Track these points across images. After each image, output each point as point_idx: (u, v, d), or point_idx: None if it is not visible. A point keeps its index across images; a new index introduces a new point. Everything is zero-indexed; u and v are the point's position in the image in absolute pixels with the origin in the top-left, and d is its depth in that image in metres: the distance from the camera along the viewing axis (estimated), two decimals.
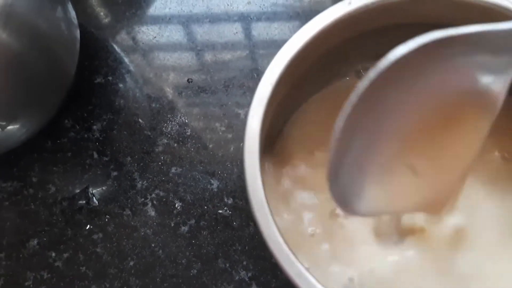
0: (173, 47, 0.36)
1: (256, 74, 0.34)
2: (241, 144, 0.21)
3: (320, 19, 0.23)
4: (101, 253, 0.30)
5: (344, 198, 0.18)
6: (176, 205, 0.31)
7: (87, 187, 0.32)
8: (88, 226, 0.31)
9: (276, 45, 0.23)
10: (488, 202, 0.25)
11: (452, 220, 0.24)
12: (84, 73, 0.35)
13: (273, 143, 0.27)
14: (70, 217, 0.31)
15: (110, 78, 0.35)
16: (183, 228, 0.30)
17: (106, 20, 0.37)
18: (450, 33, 0.14)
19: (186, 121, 0.33)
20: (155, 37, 0.36)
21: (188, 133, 0.33)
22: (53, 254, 0.30)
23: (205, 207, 0.31)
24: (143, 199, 0.31)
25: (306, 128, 0.27)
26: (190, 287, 0.29)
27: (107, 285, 0.29)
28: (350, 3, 0.23)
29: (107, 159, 0.32)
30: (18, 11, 0.26)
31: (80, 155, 0.33)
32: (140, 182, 0.31)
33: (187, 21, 0.36)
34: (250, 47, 0.35)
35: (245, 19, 0.36)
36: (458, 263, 0.23)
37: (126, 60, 0.35)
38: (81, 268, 0.30)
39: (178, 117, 0.33)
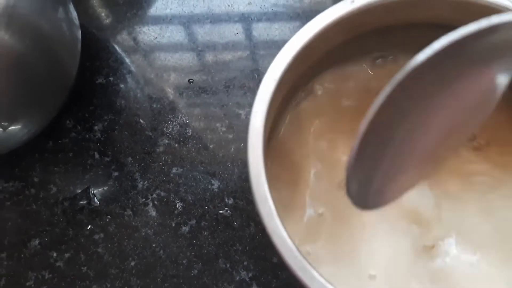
0: (174, 47, 0.36)
1: (257, 75, 0.34)
2: (242, 145, 0.21)
3: (323, 18, 0.23)
4: (102, 253, 0.30)
5: (359, 197, 0.18)
6: (177, 205, 0.31)
7: (88, 187, 0.32)
8: (89, 226, 0.31)
9: (276, 46, 0.23)
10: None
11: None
12: (85, 74, 0.35)
13: (270, 138, 0.27)
14: (71, 217, 0.31)
15: (111, 78, 0.35)
16: (184, 228, 0.30)
17: (107, 21, 0.37)
18: (468, 30, 0.14)
19: (187, 121, 0.33)
20: (156, 37, 0.36)
21: (189, 134, 0.33)
22: (54, 254, 0.30)
23: (206, 208, 0.31)
24: (144, 199, 0.31)
25: (304, 123, 0.27)
26: (191, 287, 0.29)
27: (108, 285, 0.29)
28: (352, 1, 0.23)
29: (108, 159, 0.32)
30: (20, 12, 0.26)
31: (82, 155, 0.33)
32: (141, 183, 0.32)
33: (188, 21, 0.36)
34: (250, 47, 0.35)
35: (246, 19, 0.36)
36: None
37: (127, 60, 0.35)
38: (82, 268, 0.30)
39: (179, 117, 0.33)
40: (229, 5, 0.36)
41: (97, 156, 0.33)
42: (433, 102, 0.16)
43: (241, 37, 0.35)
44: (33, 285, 0.30)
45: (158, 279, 0.29)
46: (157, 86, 0.34)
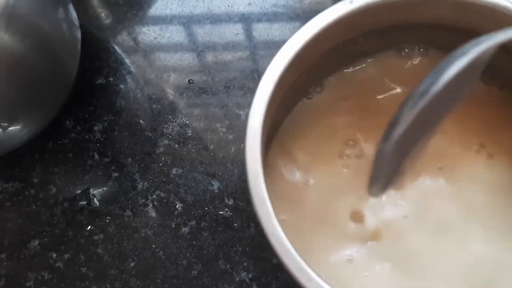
0: (174, 48, 0.36)
1: (257, 75, 0.34)
2: (242, 146, 0.21)
3: (322, 18, 0.23)
4: (102, 254, 0.30)
5: (377, 191, 0.21)
6: (177, 206, 0.31)
7: (88, 188, 0.32)
8: (89, 227, 0.31)
9: (276, 46, 0.23)
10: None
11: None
12: (85, 74, 0.35)
13: (271, 138, 0.27)
14: (71, 218, 0.31)
15: (111, 79, 0.35)
16: (183, 229, 0.30)
17: (107, 21, 0.37)
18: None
19: (187, 122, 0.33)
20: (156, 38, 0.36)
21: (189, 134, 0.33)
22: (54, 255, 0.30)
23: (206, 208, 0.31)
24: (143, 200, 0.31)
25: (303, 124, 0.27)
26: None
27: (108, 286, 0.29)
28: (351, 2, 0.23)
29: (108, 160, 0.32)
30: (20, 12, 0.26)
31: (81, 156, 0.33)
32: (141, 183, 0.32)
33: (188, 22, 0.36)
34: (250, 48, 0.35)
35: (246, 20, 0.36)
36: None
37: (127, 61, 0.35)
38: (82, 269, 0.30)
39: (179, 118, 0.33)
40: (229, 6, 0.36)
41: (96, 156, 0.33)
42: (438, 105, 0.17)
43: (241, 37, 0.35)
44: (32, 286, 0.30)
45: (158, 280, 0.29)
46: (157, 87, 0.34)
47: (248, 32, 0.36)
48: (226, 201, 0.31)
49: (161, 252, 0.30)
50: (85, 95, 0.34)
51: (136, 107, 0.34)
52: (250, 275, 0.29)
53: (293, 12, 0.36)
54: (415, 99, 0.17)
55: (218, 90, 0.34)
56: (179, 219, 0.30)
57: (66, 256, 0.30)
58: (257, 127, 0.21)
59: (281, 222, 0.20)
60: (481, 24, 0.23)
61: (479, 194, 0.25)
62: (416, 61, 0.27)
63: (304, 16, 0.36)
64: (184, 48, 0.36)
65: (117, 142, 0.33)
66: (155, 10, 0.37)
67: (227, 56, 0.35)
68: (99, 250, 0.30)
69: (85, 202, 0.31)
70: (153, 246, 0.30)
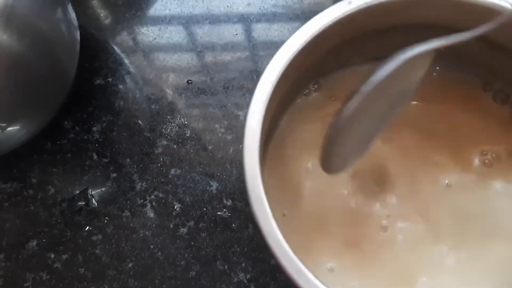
0: (173, 48, 0.36)
1: (256, 76, 0.34)
2: (240, 146, 0.21)
3: (320, 19, 0.23)
4: (100, 255, 0.30)
5: (330, 167, 0.22)
6: (175, 207, 0.31)
7: (86, 189, 0.32)
8: (87, 227, 0.31)
9: (275, 47, 0.23)
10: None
11: None
12: (84, 75, 0.35)
13: (269, 138, 0.27)
14: (69, 218, 0.31)
15: (110, 79, 0.35)
16: (182, 229, 0.30)
17: (106, 22, 0.37)
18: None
19: (186, 122, 0.33)
20: (155, 38, 0.36)
21: (188, 135, 0.33)
22: (52, 255, 0.30)
23: (204, 209, 0.31)
24: (142, 200, 0.31)
25: (302, 124, 0.27)
26: None
27: (106, 287, 0.29)
28: (350, 2, 0.23)
29: (106, 160, 0.32)
30: (19, 12, 0.26)
31: (80, 156, 0.33)
32: (139, 184, 0.31)
33: (187, 22, 0.36)
34: (250, 48, 0.35)
35: (245, 20, 0.36)
36: None
37: (126, 61, 0.35)
38: (80, 269, 0.30)
39: (178, 118, 0.33)
40: (228, 6, 0.36)
41: (95, 157, 0.32)
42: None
43: (240, 38, 0.35)
44: (31, 286, 0.30)
45: (156, 281, 0.29)
46: (156, 87, 0.34)
47: (247, 33, 0.36)
48: (225, 201, 0.31)
49: (159, 253, 0.30)
50: (84, 96, 0.34)
51: (135, 107, 0.34)
52: (248, 276, 0.29)
53: (292, 13, 0.36)
54: (363, 87, 0.19)
55: (217, 90, 0.34)
56: (177, 220, 0.30)
57: (64, 256, 0.30)
58: (255, 127, 0.21)
59: (281, 218, 0.20)
60: (480, 24, 0.23)
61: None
62: None
63: (304, 17, 0.36)
64: (183, 48, 0.35)
65: (115, 143, 0.33)
66: (154, 10, 0.37)
67: (226, 57, 0.35)
68: (97, 251, 0.30)
69: (83, 203, 0.31)
70: (151, 246, 0.30)
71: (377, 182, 0.26)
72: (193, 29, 0.36)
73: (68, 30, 0.31)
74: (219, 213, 0.30)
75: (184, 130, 0.33)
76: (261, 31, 0.35)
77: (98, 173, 0.32)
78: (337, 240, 0.25)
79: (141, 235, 0.30)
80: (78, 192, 0.32)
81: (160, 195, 0.31)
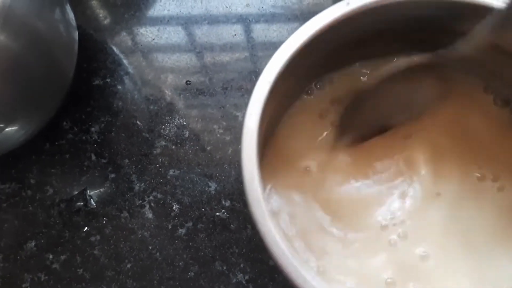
0: (171, 49, 0.36)
1: (255, 76, 0.34)
2: (239, 147, 0.21)
3: (318, 20, 0.23)
4: (98, 255, 0.30)
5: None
6: (174, 208, 0.31)
7: (85, 189, 0.32)
8: (86, 228, 0.31)
9: (274, 47, 0.22)
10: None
11: None
12: (82, 75, 0.35)
13: (267, 139, 0.27)
14: (67, 219, 0.31)
15: (108, 80, 0.35)
16: (180, 230, 0.30)
17: (105, 22, 0.37)
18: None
19: (184, 123, 0.33)
20: (153, 39, 0.36)
21: (186, 135, 0.33)
22: (51, 256, 0.30)
23: (203, 210, 0.30)
24: (140, 201, 0.31)
25: (301, 125, 0.27)
26: None
27: (104, 287, 0.29)
28: (348, 3, 0.23)
29: (105, 161, 0.32)
30: (17, 12, 0.26)
31: (78, 157, 0.32)
32: (137, 184, 0.31)
33: (186, 23, 0.36)
34: (248, 49, 0.35)
35: (244, 21, 0.36)
36: None
37: (124, 62, 0.35)
38: (78, 270, 0.30)
39: (176, 119, 0.33)
40: (227, 7, 0.36)
41: (93, 157, 0.32)
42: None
43: (239, 38, 0.35)
44: (29, 287, 0.30)
45: (155, 282, 0.29)
46: (154, 88, 0.34)
47: (246, 33, 0.36)
48: (223, 202, 0.31)
49: (158, 254, 0.30)
50: (82, 96, 0.34)
51: (134, 108, 0.34)
52: (246, 277, 0.29)
53: (291, 13, 0.36)
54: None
55: (215, 91, 0.34)
56: (175, 221, 0.30)
57: (63, 257, 0.30)
58: (253, 129, 0.21)
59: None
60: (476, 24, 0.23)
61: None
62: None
63: (303, 17, 0.36)
64: (182, 49, 0.35)
65: (114, 143, 0.33)
66: (153, 11, 0.37)
67: (225, 57, 0.35)
68: (95, 252, 0.30)
69: (82, 203, 0.31)
70: (150, 247, 0.30)
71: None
72: (192, 29, 0.36)
73: (67, 30, 0.31)
74: (217, 214, 0.30)
75: (183, 131, 0.33)
76: (260, 31, 0.35)
77: (97, 174, 0.32)
78: (338, 239, 0.25)
79: (140, 236, 0.30)
80: (76, 192, 0.32)
81: (159, 196, 0.31)
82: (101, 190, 0.32)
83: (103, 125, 0.33)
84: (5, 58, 0.26)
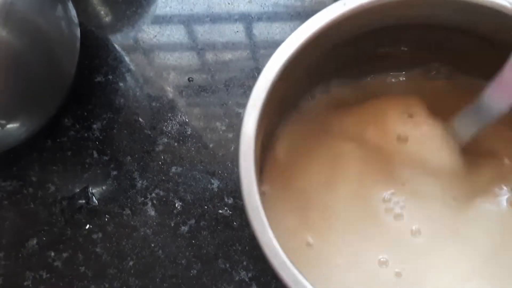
0: (173, 46, 0.35)
1: (257, 74, 0.33)
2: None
3: (314, 22, 0.22)
4: (100, 253, 0.30)
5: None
6: (176, 205, 0.31)
7: (86, 187, 0.32)
8: (88, 225, 0.31)
9: (277, 45, 0.22)
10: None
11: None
12: (84, 72, 0.34)
13: (268, 143, 0.27)
14: (69, 217, 0.31)
15: (110, 77, 0.34)
16: (183, 228, 0.30)
17: (107, 19, 0.37)
18: None
19: (187, 120, 0.33)
20: (155, 36, 0.36)
21: (189, 133, 0.32)
22: (52, 254, 0.30)
23: (205, 207, 0.30)
24: (143, 198, 0.31)
25: (301, 126, 0.27)
26: (190, 287, 0.29)
27: (107, 285, 0.29)
28: (345, 4, 0.22)
29: (107, 158, 0.32)
30: (18, 9, 0.26)
31: (80, 154, 0.32)
32: (140, 182, 0.31)
33: (188, 20, 0.36)
34: (251, 46, 0.35)
35: (246, 18, 0.36)
36: None
37: (126, 59, 0.35)
38: (80, 268, 0.30)
39: (179, 116, 0.33)
40: (229, 4, 0.36)
41: (95, 155, 0.32)
42: None
43: (241, 36, 0.35)
44: (30, 285, 0.29)
45: (157, 279, 0.29)
46: (156, 85, 0.34)
47: (248, 31, 0.35)
48: (226, 200, 0.30)
49: (160, 251, 0.30)
50: (84, 93, 0.34)
51: (136, 105, 0.34)
52: (249, 275, 0.29)
53: (294, 11, 0.36)
54: None
55: (218, 88, 0.34)
56: (178, 218, 0.30)
57: (65, 255, 0.30)
58: (251, 135, 0.20)
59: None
60: (478, 23, 0.23)
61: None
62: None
63: (305, 15, 0.35)
64: (184, 46, 0.35)
65: (116, 141, 0.33)
66: (155, 8, 0.37)
67: (227, 55, 0.35)
68: (97, 249, 0.30)
69: (83, 201, 0.31)
70: (152, 245, 0.30)
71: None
72: (194, 27, 0.36)
73: (68, 27, 0.30)
74: (220, 211, 0.30)
75: (185, 128, 0.33)
76: (262, 29, 0.35)
77: (99, 171, 0.32)
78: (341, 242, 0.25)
79: (142, 233, 0.30)
80: (78, 190, 0.32)
81: (161, 193, 0.31)
82: (103, 187, 0.32)
83: (105, 122, 0.33)
84: (7, 55, 0.26)
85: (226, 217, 0.30)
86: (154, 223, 0.30)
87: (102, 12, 0.37)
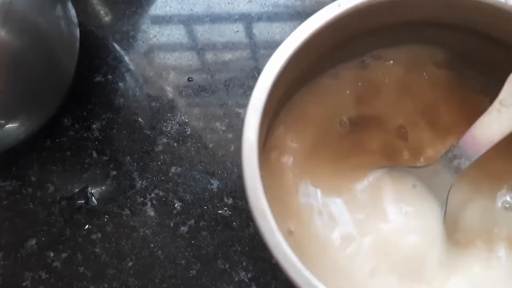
0: (173, 46, 0.35)
1: (257, 74, 0.34)
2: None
3: (310, 24, 0.22)
4: (99, 253, 0.30)
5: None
6: (176, 205, 0.31)
7: (86, 187, 0.32)
8: (87, 226, 0.30)
9: (277, 45, 0.22)
10: None
11: None
12: (83, 72, 0.34)
13: (265, 142, 0.26)
14: (68, 217, 0.31)
15: (110, 77, 0.34)
16: (182, 228, 0.30)
17: (106, 19, 0.37)
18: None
19: (186, 120, 0.33)
20: (155, 36, 0.36)
21: (188, 133, 0.32)
22: (52, 254, 0.30)
23: (205, 207, 0.30)
24: (142, 198, 0.31)
25: (300, 126, 0.27)
26: None
27: (106, 286, 0.29)
28: (339, 5, 0.22)
29: (106, 158, 0.32)
30: (18, 8, 0.26)
31: (79, 154, 0.32)
32: (139, 182, 0.31)
33: (187, 20, 0.36)
34: (251, 46, 0.35)
35: (246, 18, 0.36)
36: None
37: (126, 59, 0.35)
38: (79, 268, 0.29)
39: (178, 116, 0.33)
40: (229, 3, 0.36)
41: (95, 155, 0.32)
42: None
43: (241, 35, 0.35)
44: (29, 285, 0.29)
45: (156, 280, 0.29)
46: (156, 85, 0.34)
47: (248, 31, 0.35)
48: (225, 200, 0.30)
49: (160, 252, 0.30)
50: (84, 93, 0.34)
51: (135, 105, 0.34)
52: (249, 275, 0.29)
53: (294, 11, 0.36)
54: None
55: (217, 88, 0.34)
56: (177, 218, 0.30)
57: (64, 255, 0.30)
58: (253, 140, 0.20)
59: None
60: (472, 20, 0.23)
61: None
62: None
63: (305, 15, 0.35)
64: (184, 46, 0.35)
65: (115, 141, 0.33)
66: (155, 8, 0.37)
67: (227, 55, 0.35)
68: (97, 249, 0.30)
69: (83, 201, 0.31)
70: (152, 245, 0.30)
71: None
72: (194, 26, 0.36)
73: (68, 27, 0.30)
74: (220, 211, 0.30)
75: (185, 128, 0.33)
76: (262, 29, 0.35)
77: (98, 171, 0.32)
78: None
79: (141, 233, 0.30)
80: (77, 190, 0.32)
81: (161, 193, 0.31)
82: (102, 187, 0.32)
83: (104, 122, 0.33)
84: (6, 55, 0.26)
85: (225, 217, 0.30)
86: (154, 223, 0.30)
87: (102, 12, 0.37)
